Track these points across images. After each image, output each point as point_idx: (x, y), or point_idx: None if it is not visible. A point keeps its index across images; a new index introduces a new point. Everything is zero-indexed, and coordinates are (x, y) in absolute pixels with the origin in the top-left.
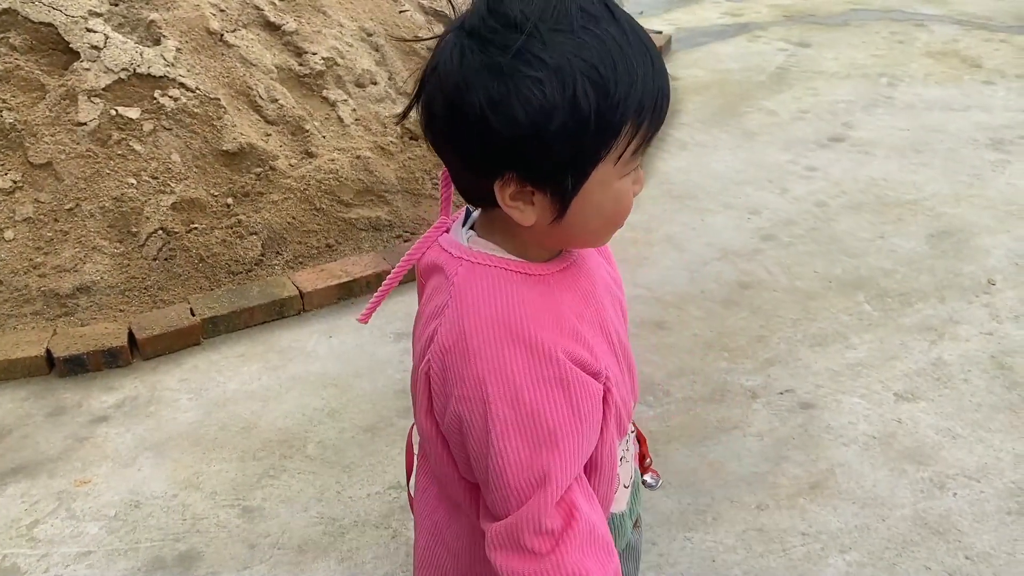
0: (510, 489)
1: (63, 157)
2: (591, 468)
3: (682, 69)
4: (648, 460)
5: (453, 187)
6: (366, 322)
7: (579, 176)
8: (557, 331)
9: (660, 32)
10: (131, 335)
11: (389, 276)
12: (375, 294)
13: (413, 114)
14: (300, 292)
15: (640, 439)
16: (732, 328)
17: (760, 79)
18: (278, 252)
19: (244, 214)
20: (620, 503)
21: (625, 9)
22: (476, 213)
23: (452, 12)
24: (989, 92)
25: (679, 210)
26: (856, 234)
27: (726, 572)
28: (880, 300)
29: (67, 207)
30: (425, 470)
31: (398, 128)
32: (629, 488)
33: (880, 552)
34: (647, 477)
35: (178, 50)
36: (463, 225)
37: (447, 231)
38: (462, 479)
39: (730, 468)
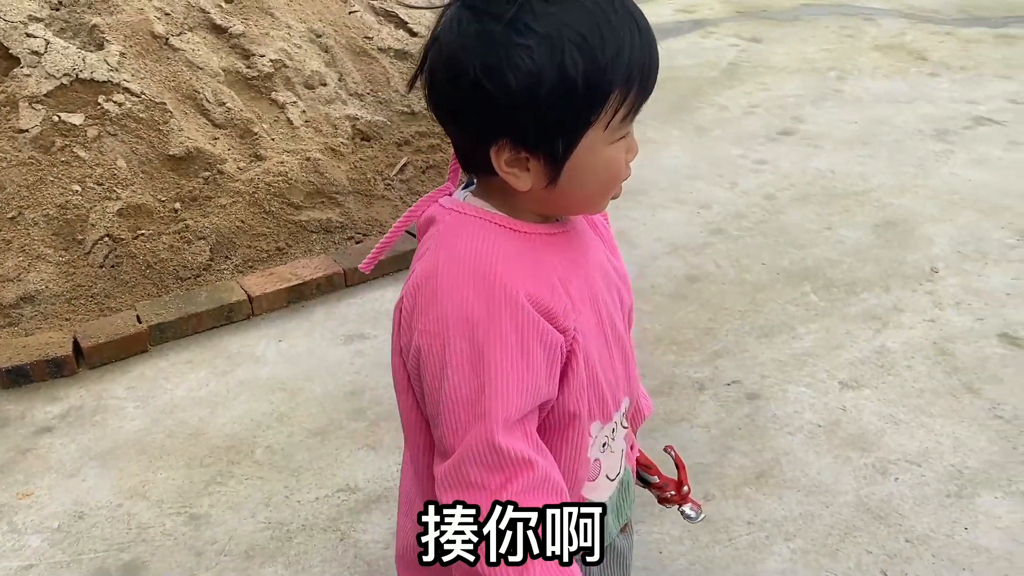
0: (459, 422)
1: (4, 165)
2: (552, 425)
3: None
4: (687, 489)
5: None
6: (368, 270)
7: (569, 141)
8: (526, 277)
9: None
10: (76, 344)
11: (391, 230)
12: (376, 245)
13: (363, 115)
14: (249, 296)
15: (679, 465)
16: (681, 321)
17: (712, 75)
18: (227, 256)
19: (192, 219)
20: (600, 493)
21: None
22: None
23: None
24: (934, 84)
25: (631, 206)
26: (804, 226)
27: (672, 563)
28: (826, 290)
29: (9, 215)
30: (407, 450)
31: (348, 129)
32: (615, 482)
33: (823, 539)
34: (687, 508)
35: (122, 55)
36: (464, 189)
37: (449, 194)
38: (425, 424)
39: (683, 457)
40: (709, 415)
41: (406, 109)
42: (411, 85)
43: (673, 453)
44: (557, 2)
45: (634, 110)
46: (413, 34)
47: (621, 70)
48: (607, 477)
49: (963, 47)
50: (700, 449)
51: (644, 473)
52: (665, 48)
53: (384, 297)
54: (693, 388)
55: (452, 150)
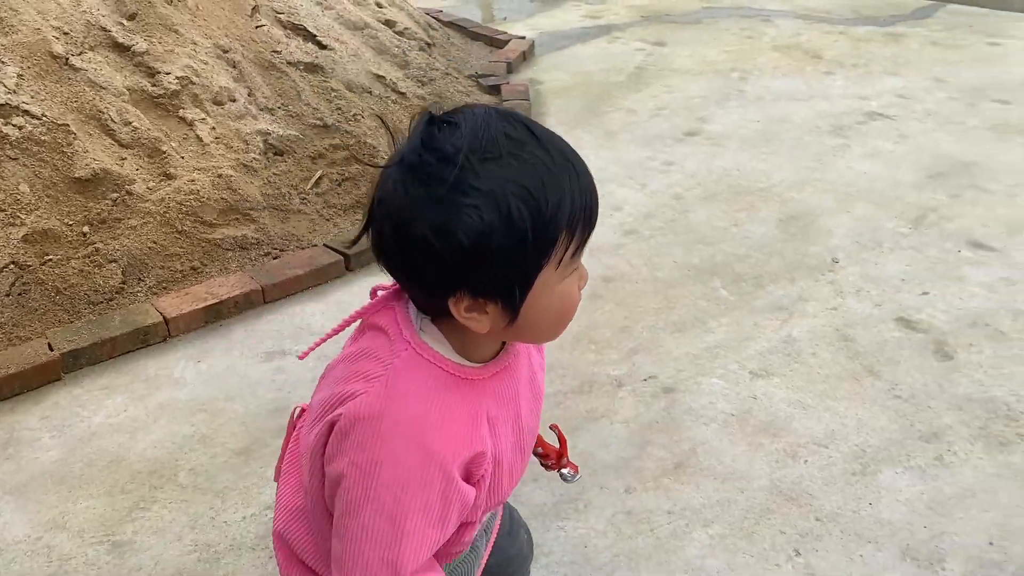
0: (362, 560)
1: None
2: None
3: (545, 73)
4: (565, 460)
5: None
6: (303, 358)
7: (525, 286)
8: (461, 442)
9: (523, 37)
10: None
11: (339, 323)
12: (318, 338)
13: (274, 129)
14: (164, 318)
15: (561, 439)
16: (598, 321)
17: (620, 79)
18: (140, 279)
19: (102, 242)
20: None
21: (540, 126)
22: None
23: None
24: (829, 82)
25: None
26: (711, 223)
27: (597, 556)
28: (735, 284)
29: None
30: (310, 513)
31: (260, 144)
32: (482, 526)
33: (739, 523)
34: (565, 472)
35: (20, 76)
36: (418, 311)
37: (403, 300)
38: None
39: (599, 456)
40: (628, 411)
41: (318, 122)
42: (354, 243)
43: (557, 430)
44: (495, 160)
45: (581, 246)
46: (323, 47)
47: (565, 215)
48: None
49: (855, 46)
50: (620, 444)
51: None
52: (573, 54)
53: (304, 312)
54: (612, 385)
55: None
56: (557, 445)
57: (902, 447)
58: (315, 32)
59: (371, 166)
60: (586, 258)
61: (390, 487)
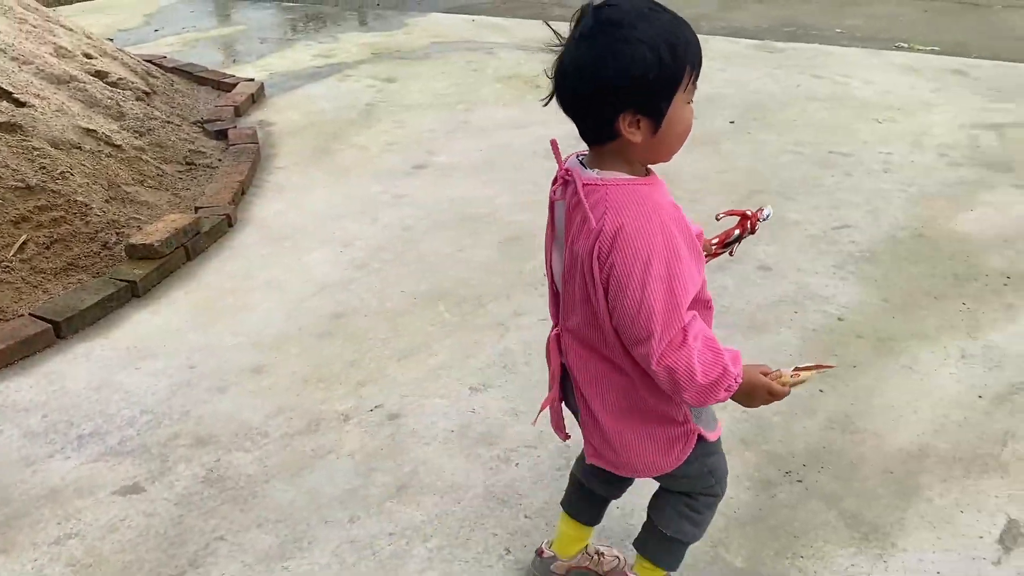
0: (657, 315)
1: None
2: (701, 303)
3: (277, 114)
4: (750, 212)
5: (559, 152)
6: None
7: (667, 103)
8: (669, 215)
9: (252, 80)
10: None
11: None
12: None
13: None
14: None
15: (735, 213)
16: (328, 358)
17: (352, 116)
18: None
19: None
20: None
21: None
22: (582, 158)
23: None
24: (546, 108)
25: (278, 253)
26: (439, 251)
27: None
28: (458, 307)
29: None
30: (583, 357)
31: None
32: None
33: (456, 532)
34: (761, 212)
35: None
36: (583, 167)
37: (569, 172)
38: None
39: (325, 491)
40: (355, 442)
41: (20, 184)
42: (547, 101)
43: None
44: (646, 20)
45: (695, 78)
46: (20, 104)
47: (689, 55)
48: None
49: None
50: (346, 476)
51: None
52: (305, 94)
53: (8, 388)
54: (339, 420)
55: (552, 144)
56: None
57: None
58: (11, 89)
59: (555, 47)
60: (316, 296)
61: (652, 258)
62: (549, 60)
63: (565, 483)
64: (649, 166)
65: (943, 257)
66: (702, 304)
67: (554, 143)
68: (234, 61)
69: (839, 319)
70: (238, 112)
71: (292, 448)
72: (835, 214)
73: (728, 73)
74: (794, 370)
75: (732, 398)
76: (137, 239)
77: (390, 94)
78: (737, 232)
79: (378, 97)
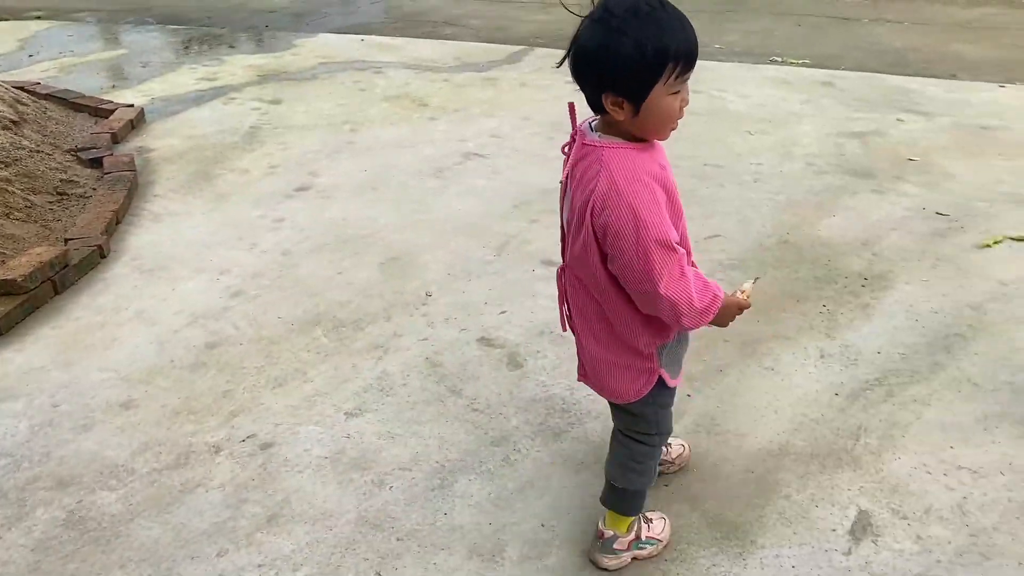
0: (653, 261)
1: None
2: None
3: (156, 140)
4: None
5: (575, 115)
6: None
7: (644, 92)
8: (653, 173)
9: (132, 105)
10: None
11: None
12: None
13: None
14: None
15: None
16: (199, 390)
17: (234, 140)
18: None
19: None
20: None
21: None
22: (593, 123)
23: None
24: (433, 127)
25: (151, 283)
26: (318, 274)
27: None
28: (336, 331)
29: None
30: (577, 290)
31: None
32: None
33: (327, 559)
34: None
35: None
36: (591, 130)
37: (579, 134)
38: (607, 273)
39: (192, 526)
40: (225, 474)
41: None
42: (560, 64)
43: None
44: (639, 18)
45: (682, 74)
46: None
47: (673, 53)
48: None
49: (456, 91)
50: (215, 509)
51: None
52: (187, 118)
53: None
54: (210, 453)
55: (570, 108)
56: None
57: (476, 455)
58: None
59: (577, 15)
60: (189, 326)
61: (639, 211)
62: (438, 79)
63: (440, 503)
64: (663, 139)
65: (806, 261)
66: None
67: (571, 106)
68: (113, 86)
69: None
70: (115, 139)
71: (159, 484)
72: (708, 224)
73: None
74: (740, 291)
75: (713, 320)
76: None
77: (275, 116)
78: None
79: (263, 120)
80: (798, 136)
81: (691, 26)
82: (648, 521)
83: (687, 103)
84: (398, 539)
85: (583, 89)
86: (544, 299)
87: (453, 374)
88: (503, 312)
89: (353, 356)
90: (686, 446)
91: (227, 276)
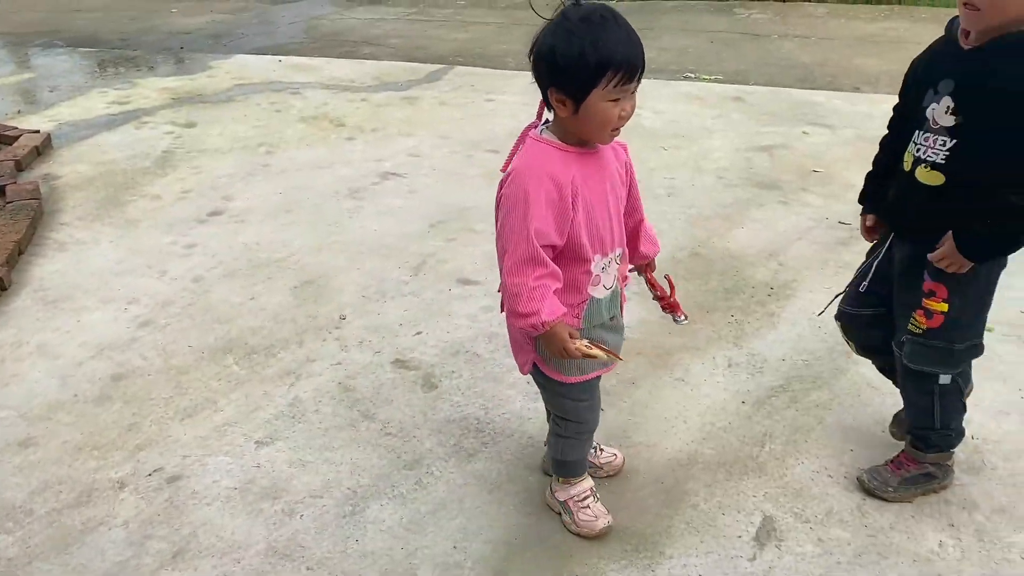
0: (509, 240)
1: None
2: (572, 249)
3: (64, 166)
4: (674, 300)
5: (542, 108)
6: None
7: (584, 93)
8: (556, 175)
9: (38, 131)
10: None
11: (513, 144)
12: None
13: None
14: None
15: (671, 284)
16: (104, 424)
17: (146, 165)
18: None
19: None
20: (599, 293)
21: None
22: (547, 123)
23: None
24: (350, 147)
25: (54, 315)
26: (229, 300)
27: None
28: (248, 358)
29: None
30: None
31: None
32: (609, 290)
33: None
34: (676, 316)
35: None
36: (542, 128)
37: (535, 127)
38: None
39: (93, 566)
40: (129, 511)
41: None
42: (530, 55)
43: (669, 280)
44: (589, 24)
45: (622, 83)
46: None
47: (613, 62)
48: (604, 287)
49: (374, 111)
50: (118, 547)
51: (652, 291)
52: (97, 143)
53: None
54: (114, 489)
55: (540, 103)
56: (669, 292)
57: (389, 480)
58: None
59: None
60: (94, 359)
61: (522, 195)
62: (356, 98)
63: (351, 530)
64: (599, 144)
65: (716, 273)
66: (573, 256)
67: (542, 103)
68: (19, 112)
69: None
70: (19, 166)
71: (60, 524)
72: None
73: (534, 107)
74: (593, 342)
75: (538, 337)
76: None
77: (189, 140)
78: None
79: (176, 143)
80: (709, 150)
81: (638, 42)
82: (571, 498)
83: (628, 113)
84: (308, 568)
85: (538, 85)
86: (460, 318)
87: (366, 398)
88: (418, 333)
89: (265, 383)
90: (618, 455)
91: (135, 305)
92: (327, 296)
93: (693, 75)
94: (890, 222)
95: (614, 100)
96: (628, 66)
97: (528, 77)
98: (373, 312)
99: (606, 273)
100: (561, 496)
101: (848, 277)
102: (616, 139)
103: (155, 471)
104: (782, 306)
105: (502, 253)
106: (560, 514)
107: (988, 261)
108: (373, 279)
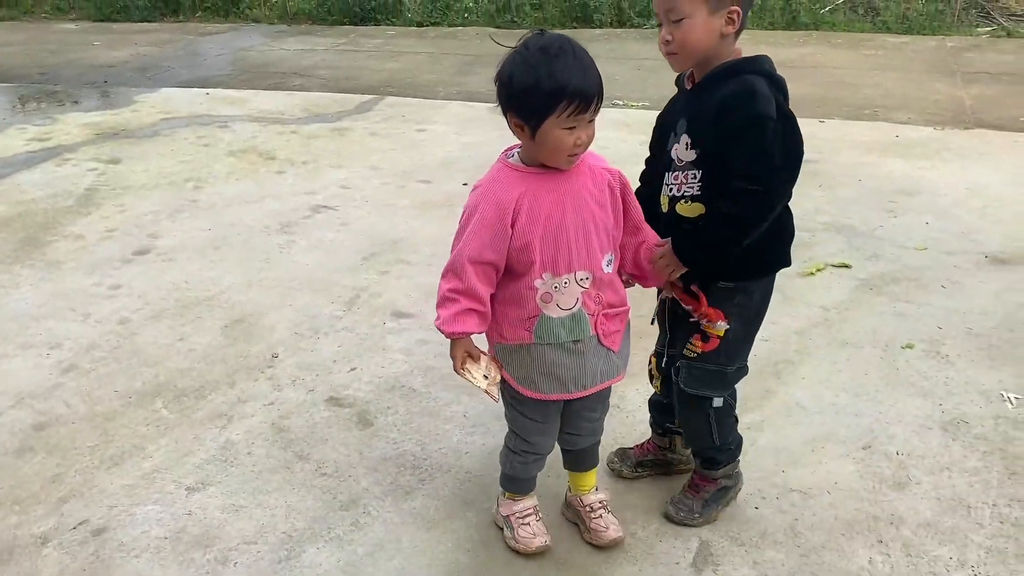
0: (454, 245)
1: None
2: (515, 261)
3: None
4: (705, 308)
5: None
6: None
7: (539, 121)
8: (503, 199)
9: None
10: None
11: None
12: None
13: None
14: None
15: (700, 296)
16: (25, 477)
17: (68, 204)
18: None
19: None
20: (553, 312)
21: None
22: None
23: None
24: (280, 180)
25: None
26: (157, 342)
27: None
28: (177, 402)
29: None
30: None
31: None
32: (567, 312)
33: None
34: (715, 323)
35: None
36: (513, 153)
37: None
38: None
39: None
40: (52, 568)
41: None
42: (495, 80)
43: (696, 290)
44: (546, 54)
45: (577, 113)
46: None
47: (567, 92)
48: (559, 306)
49: (305, 143)
50: None
51: (685, 307)
52: (15, 183)
53: None
54: (36, 545)
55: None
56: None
57: (325, 522)
58: None
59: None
60: (14, 408)
61: (470, 211)
62: (285, 131)
63: (284, 574)
64: (564, 168)
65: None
66: (512, 270)
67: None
68: None
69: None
70: None
71: None
72: None
73: (465, 137)
74: (487, 378)
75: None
76: None
77: (113, 176)
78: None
79: (100, 181)
80: (635, 176)
81: (595, 73)
82: (513, 514)
83: (584, 140)
84: None
85: (502, 111)
86: (395, 352)
87: (300, 438)
88: (353, 369)
89: (195, 427)
90: (611, 528)
91: (58, 350)
92: (258, 334)
93: (621, 102)
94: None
95: (569, 128)
96: (583, 96)
97: (461, 105)
98: (306, 349)
99: (560, 293)
100: (504, 511)
101: (775, 299)
102: (605, 165)
103: (80, 524)
104: None
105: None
106: (502, 529)
107: (699, 265)
108: (305, 315)
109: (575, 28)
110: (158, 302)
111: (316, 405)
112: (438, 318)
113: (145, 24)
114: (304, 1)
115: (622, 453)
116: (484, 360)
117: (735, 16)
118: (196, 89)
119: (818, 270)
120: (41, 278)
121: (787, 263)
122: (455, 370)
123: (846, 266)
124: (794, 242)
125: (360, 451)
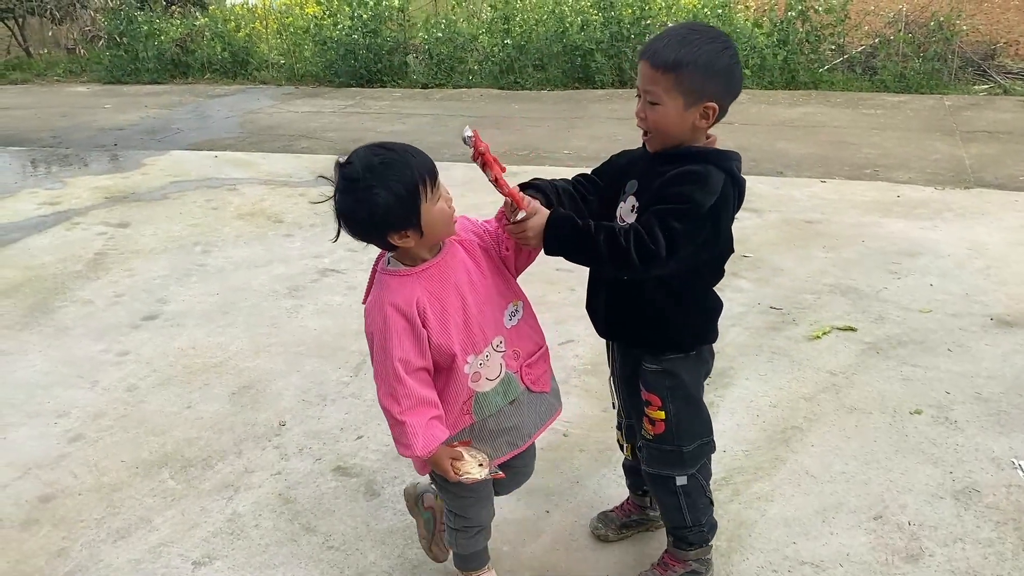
0: (376, 371)
1: None
2: (441, 364)
3: None
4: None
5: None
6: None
7: (416, 217)
8: (399, 303)
9: None
10: None
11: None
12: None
13: None
14: None
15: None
16: (31, 551)
17: (77, 268)
18: None
19: None
20: (483, 386)
21: None
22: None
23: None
24: (289, 244)
25: None
26: (164, 410)
27: None
28: (184, 472)
29: None
30: None
31: None
32: (495, 380)
33: None
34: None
35: None
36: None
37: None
38: None
39: None
40: None
41: None
42: (337, 237)
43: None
44: (376, 171)
45: (433, 184)
46: None
47: (419, 178)
48: (487, 379)
49: (312, 206)
50: None
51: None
52: (26, 247)
53: None
54: None
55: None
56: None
57: None
58: None
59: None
60: (21, 479)
61: (379, 330)
62: (294, 193)
63: None
64: (444, 245)
65: None
66: (440, 364)
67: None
68: None
69: (564, 435)
70: None
71: None
72: (560, 330)
73: (469, 198)
74: (481, 463)
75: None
76: None
77: (122, 240)
78: (493, 178)
79: (109, 245)
80: None
81: (417, 149)
82: None
83: (449, 197)
84: None
85: (367, 241)
86: None
87: (307, 509)
88: (360, 437)
89: (202, 498)
90: None
91: (65, 419)
92: (266, 402)
93: None
94: (599, 330)
95: (437, 198)
96: (430, 171)
97: (466, 167)
98: (313, 417)
99: (486, 367)
100: None
101: (782, 364)
102: (470, 229)
103: None
104: (721, 395)
105: (377, 383)
106: None
107: (553, 254)
108: (313, 382)
109: (577, 88)
110: (166, 369)
111: (323, 475)
112: (408, 448)
113: (155, 86)
114: (311, 63)
115: (604, 517)
116: (467, 452)
117: (711, 112)
118: (205, 151)
119: (824, 333)
120: (49, 344)
121: (711, 340)
122: (451, 481)
123: (852, 329)
124: (801, 304)
125: (367, 523)
